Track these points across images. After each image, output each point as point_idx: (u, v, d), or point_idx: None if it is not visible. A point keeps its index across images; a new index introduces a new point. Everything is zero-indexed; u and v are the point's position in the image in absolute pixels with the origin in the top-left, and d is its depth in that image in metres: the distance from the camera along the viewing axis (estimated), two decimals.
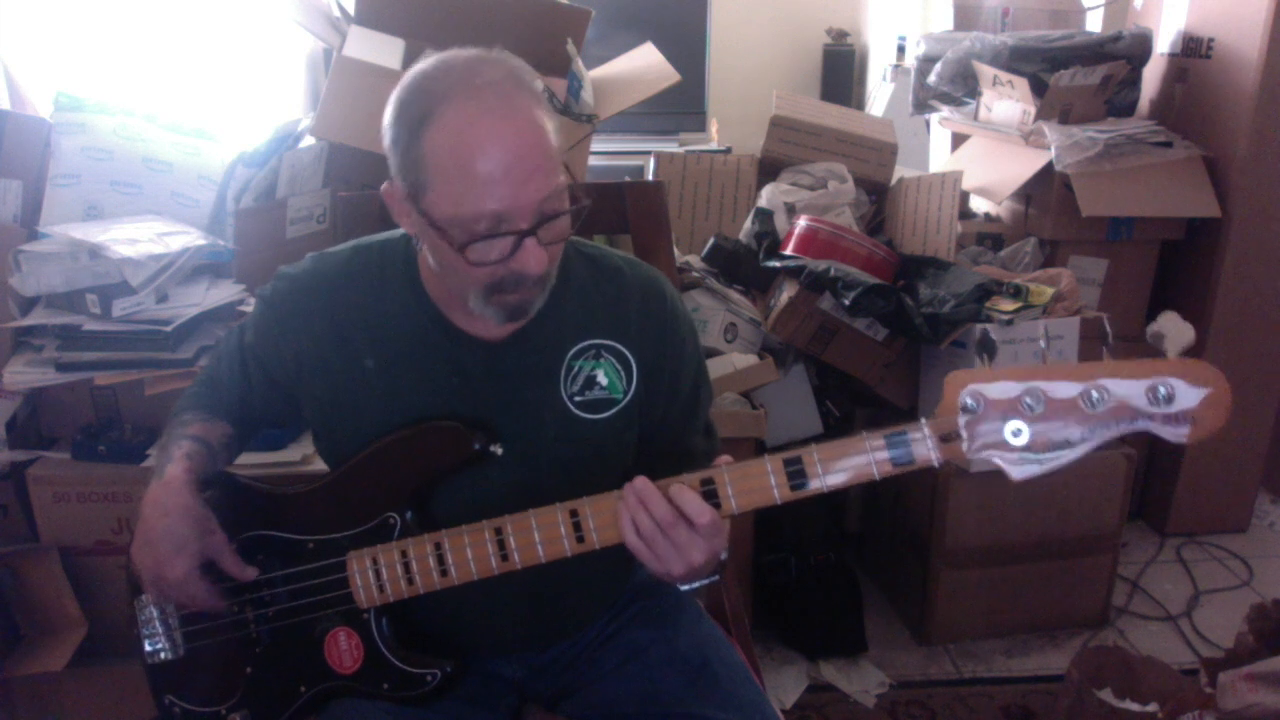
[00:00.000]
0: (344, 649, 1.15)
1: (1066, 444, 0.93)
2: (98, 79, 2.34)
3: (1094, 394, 0.92)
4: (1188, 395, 0.90)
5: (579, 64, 2.40)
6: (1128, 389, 0.91)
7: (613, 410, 1.17)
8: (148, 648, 1.21)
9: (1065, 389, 0.93)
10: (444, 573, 1.10)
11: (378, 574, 1.12)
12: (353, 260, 1.19)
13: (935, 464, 0.98)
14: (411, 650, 1.15)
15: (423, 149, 0.98)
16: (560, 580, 1.11)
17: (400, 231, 1.18)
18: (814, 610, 2.28)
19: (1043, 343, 0.99)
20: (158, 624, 1.20)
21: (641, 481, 1.02)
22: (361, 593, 1.13)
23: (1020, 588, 2.34)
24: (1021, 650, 2.33)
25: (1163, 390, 0.90)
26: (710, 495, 1.02)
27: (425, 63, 1.02)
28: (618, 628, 1.30)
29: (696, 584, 1.08)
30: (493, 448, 1.11)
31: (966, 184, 2.67)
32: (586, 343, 1.17)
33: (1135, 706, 1.87)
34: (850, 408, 2.55)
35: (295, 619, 1.16)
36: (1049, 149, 2.48)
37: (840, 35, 4.13)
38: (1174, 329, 0.92)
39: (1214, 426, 0.91)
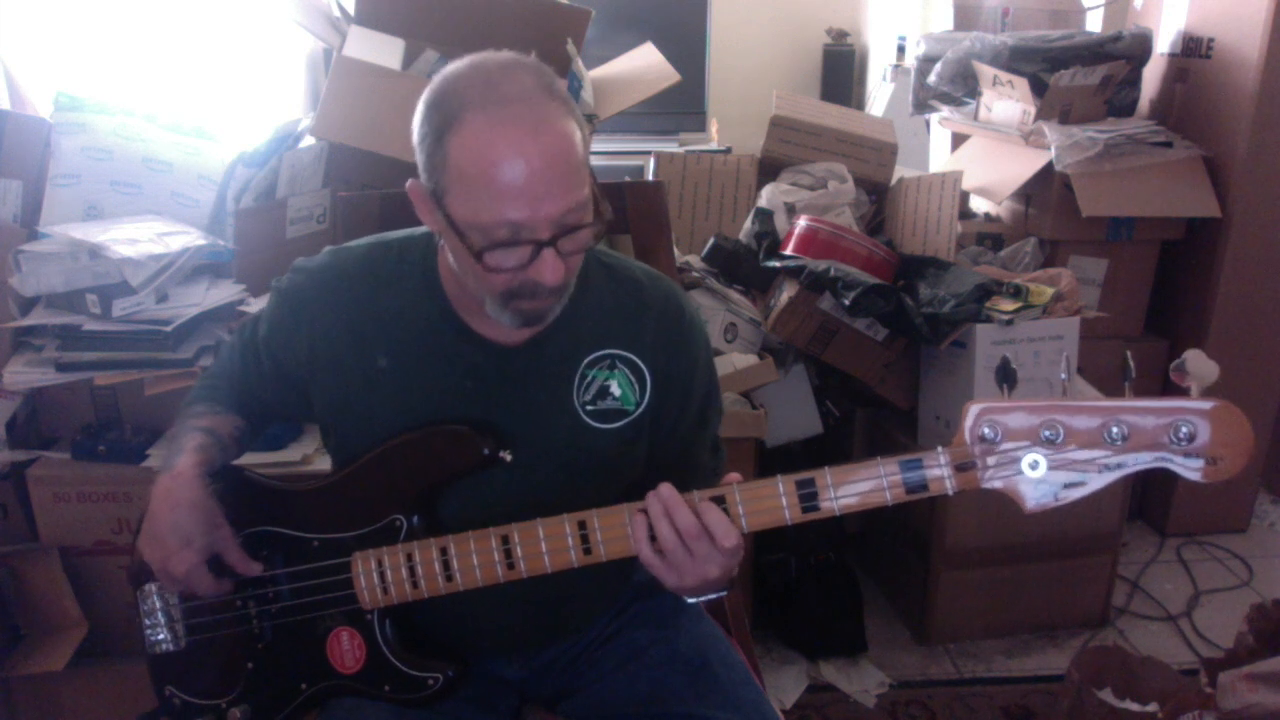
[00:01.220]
0: (346, 649, 1.15)
1: (1083, 478, 0.92)
2: (98, 79, 2.34)
3: (1114, 429, 0.90)
4: (1209, 435, 0.89)
5: (579, 64, 2.40)
6: (1149, 426, 0.90)
7: (624, 421, 1.17)
8: (150, 638, 1.21)
9: (1085, 423, 0.91)
10: (449, 578, 1.09)
11: (382, 576, 1.12)
12: (370, 256, 1.18)
13: (949, 492, 0.96)
14: (413, 653, 1.15)
15: (447, 152, 0.98)
16: (561, 582, 1.11)
17: (421, 230, 1.18)
18: (814, 610, 2.28)
19: (1063, 374, 0.97)
20: (160, 615, 1.20)
21: (668, 489, 1.01)
22: (365, 593, 1.13)
23: (1020, 588, 2.34)
24: (1021, 650, 2.33)
25: (1184, 429, 0.89)
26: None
27: (458, 64, 1.01)
28: (618, 628, 1.30)
29: (703, 598, 1.07)
30: (502, 454, 1.10)
31: (966, 184, 2.67)
32: (601, 352, 1.16)
33: (1135, 706, 1.88)
34: (850, 408, 2.55)
35: (298, 617, 1.16)
36: (1049, 149, 2.48)
37: (840, 35, 4.13)
38: (1199, 366, 0.89)
39: (1234, 468, 0.89)
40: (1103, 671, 1.94)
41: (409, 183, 1.06)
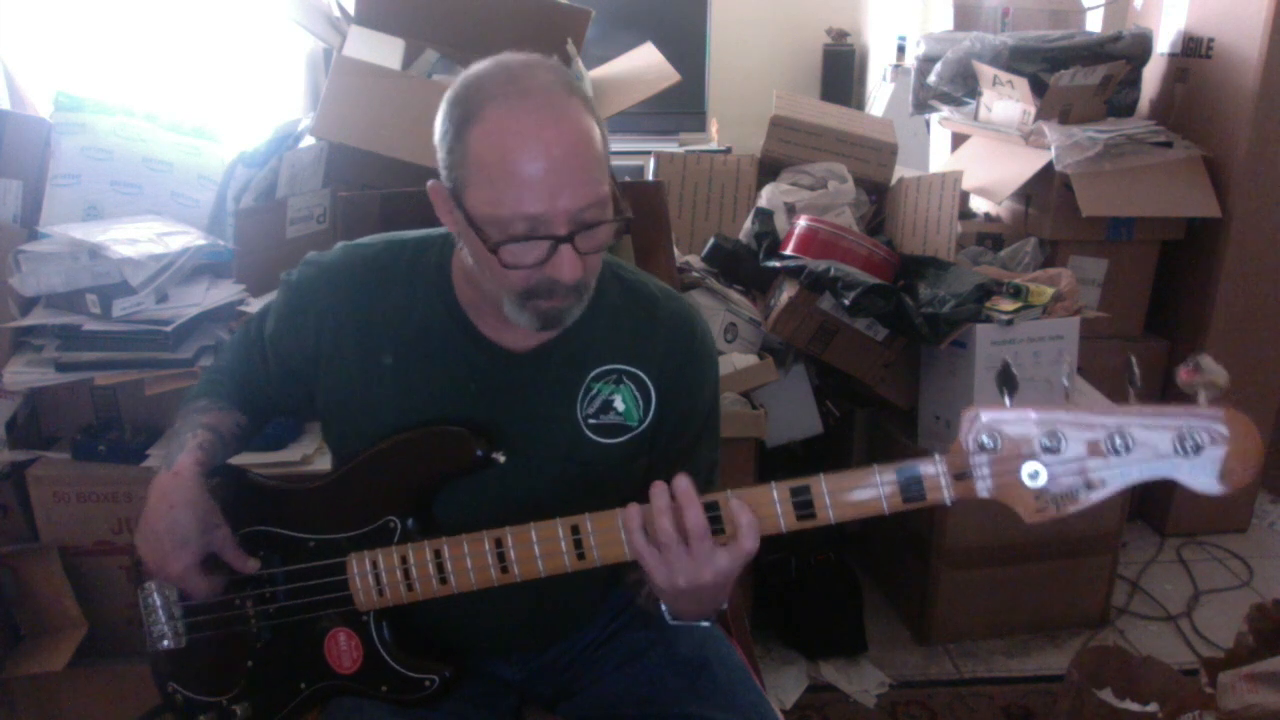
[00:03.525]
0: (343, 649, 1.15)
1: (1086, 489, 0.88)
2: (98, 79, 2.34)
3: (1118, 439, 0.86)
4: (1217, 445, 0.84)
5: (579, 64, 2.40)
6: (1154, 435, 0.85)
7: (625, 437, 1.17)
8: (151, 635, 1.21)
9: (1088, 431, 0.87)
10: (443, 580, 1.09)
11: (377, 577, 1.12)
12: (383, 255, 1.18)
13: (947, 502, 0.93)
14: (411, 654, 1.15)
15: (467, 146, 0.98)
16: (560, 581, 1.11)
17: (438, 232, 1.18)
18: (814, 610, 2.28)
19: (1065, 380, 0.94)
20: (161, 613, 1.20)
21: (685, 481, 0.98)
22: (361, 595, 1.13)
23: (1020, 588, 2.34)
24: (1021, 650, 2.33)
25: (1191, 439, 0.85)
26: (714, 520, 1.00)
27: (482, 62, 1.02)
28: (617, 628, 1.30)
29: (687, 623, 1.06)
30: (495, 455, 1.10)
31: (966, 184, 2.67)
32: (609, 366, 1.16)
33: (1135, 706, 1.87)
34: (850, 408, 2.55)
35: (295, 617, 1.16)
36: (1049, 149, 2.48)
37: (840, 35, 4.13)
38: (1211, 371, 0.86)
39: (1242, 480, 0.84)
40: (1103, 671, 1.94)
41: (429, 183, 1.06)
